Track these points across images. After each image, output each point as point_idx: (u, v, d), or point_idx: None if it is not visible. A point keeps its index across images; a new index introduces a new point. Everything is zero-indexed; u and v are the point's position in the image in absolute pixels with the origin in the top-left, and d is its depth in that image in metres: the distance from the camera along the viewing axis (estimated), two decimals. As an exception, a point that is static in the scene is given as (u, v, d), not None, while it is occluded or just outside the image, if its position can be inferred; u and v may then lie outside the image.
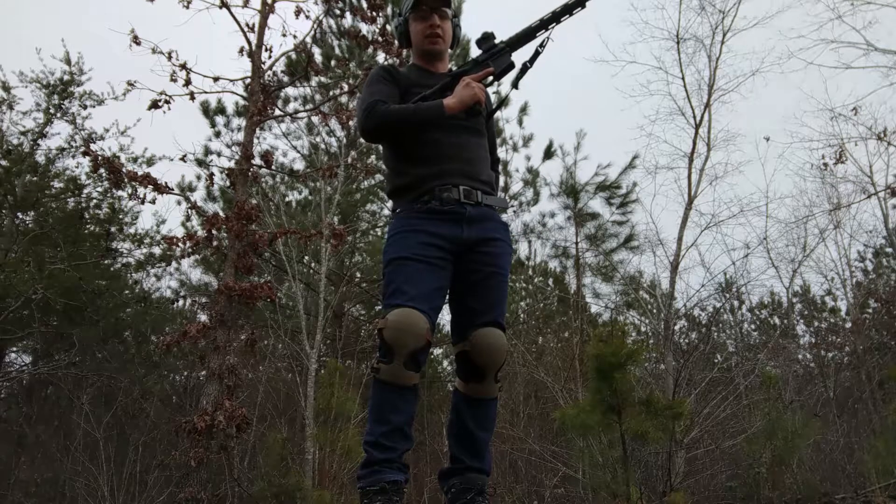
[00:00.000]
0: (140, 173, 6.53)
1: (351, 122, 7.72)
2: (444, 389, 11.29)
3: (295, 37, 7.07)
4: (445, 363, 12.01)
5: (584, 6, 1.96)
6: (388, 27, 7.11)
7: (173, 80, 6.65)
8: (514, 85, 2.05)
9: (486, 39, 2.06)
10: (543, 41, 2.00)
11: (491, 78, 2.04)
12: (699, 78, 9.13)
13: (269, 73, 7.10)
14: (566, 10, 1.98)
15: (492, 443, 2.09)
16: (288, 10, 12.03)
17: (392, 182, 2.07)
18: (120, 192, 9.18)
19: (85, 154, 6.68)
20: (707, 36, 9.15)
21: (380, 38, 6.95)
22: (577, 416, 4.70)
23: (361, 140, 10.11)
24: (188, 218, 9.46)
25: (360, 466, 1.81)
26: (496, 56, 2.03)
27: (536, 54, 2.01)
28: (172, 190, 6.79)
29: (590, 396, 4.76)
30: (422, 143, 1.99)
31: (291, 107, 9.73)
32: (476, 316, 1.94)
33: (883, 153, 9.95)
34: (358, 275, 10.66)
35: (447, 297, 2.00)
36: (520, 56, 2.06)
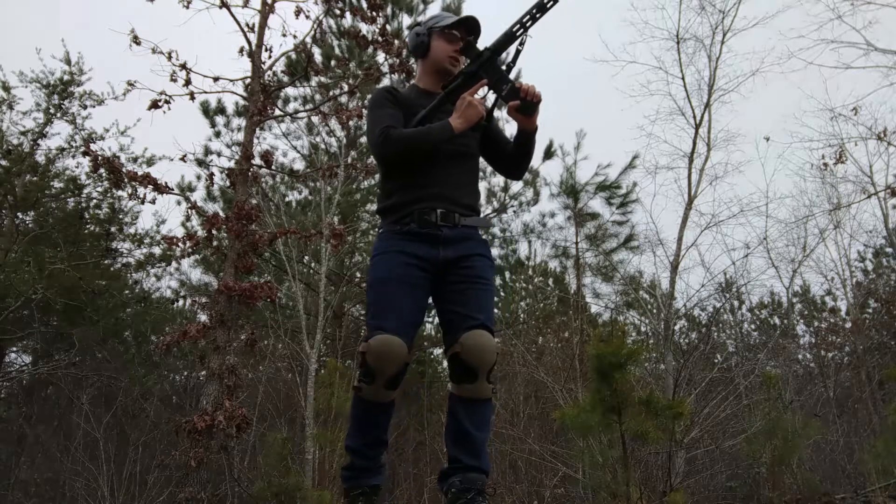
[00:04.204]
0: (140, 173, 6.53)
1: (351, 122, 7.71)
2: (443, 389, 11.29)
3: (295, 37, 7.06)
4: (445, 363, 12.00)
5: (557, 1, 1.97)
6: (388, 27, 7.10)
7: (173, 80, 6.66)
8: (501, 96, 2.05)
9: (469, 48, 2.08)
10: (522, 40, 2.03)
11: (486, 89, 2.07)
12: (699, 78, 9.15)
13: (269, 73, 7.10)
14: (542, 8, 1.99)
15: (491, 443, 2.13)
16: (288, 10, 12.07)
17: (380, 201, 2.16)
18: (120, 192, 9.16)
19: (85, 154, 6.68)
20: (707, 36, 9.19)
21: (380, 38, 6.93)
22: (577, 416, 4.70)
23: (361, 140, 10.12)
24: (188, 218, 9.47)
25: (343, 467, 2.06)
26: (485, 65, 2.04)
27: (517, 53, 2.05)
28: (172, 190, 6.79)
29: (590, 396, 4.75)
30: (412, 168, 2.06)
31: (291, 107, 9.73)
32: (464, 320, 2.00)
33: (883, 153, 9.97)
34: (358, 275, 10.65)
35: (434, 309, 2.12)
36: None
